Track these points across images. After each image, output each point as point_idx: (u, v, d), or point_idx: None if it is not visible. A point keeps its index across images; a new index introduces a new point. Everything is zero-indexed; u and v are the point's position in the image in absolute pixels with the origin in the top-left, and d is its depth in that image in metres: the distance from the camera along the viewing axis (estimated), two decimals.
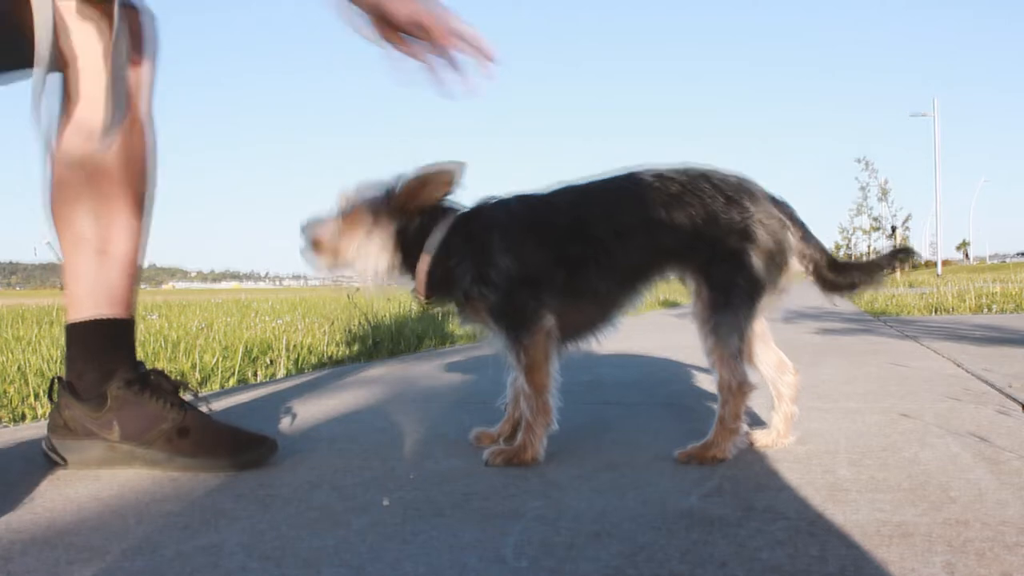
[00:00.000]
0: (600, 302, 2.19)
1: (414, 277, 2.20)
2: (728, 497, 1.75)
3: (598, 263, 2.11)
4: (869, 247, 55.79)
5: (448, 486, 1.91)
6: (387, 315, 7.62)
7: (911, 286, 20.30)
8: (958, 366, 3.88)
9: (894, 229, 49.09)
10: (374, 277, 2.18)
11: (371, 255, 2.16)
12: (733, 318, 2.04)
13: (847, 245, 65.60)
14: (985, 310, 8.95)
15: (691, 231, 2.05)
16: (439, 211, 2.18)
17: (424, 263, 2.15)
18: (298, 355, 5.12)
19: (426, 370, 4.57)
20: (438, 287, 2.18)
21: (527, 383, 2.10)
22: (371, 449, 2.35)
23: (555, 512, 1.67)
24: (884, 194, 49.89)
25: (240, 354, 4.73)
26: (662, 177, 2.09)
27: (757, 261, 2.04)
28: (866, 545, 1.43)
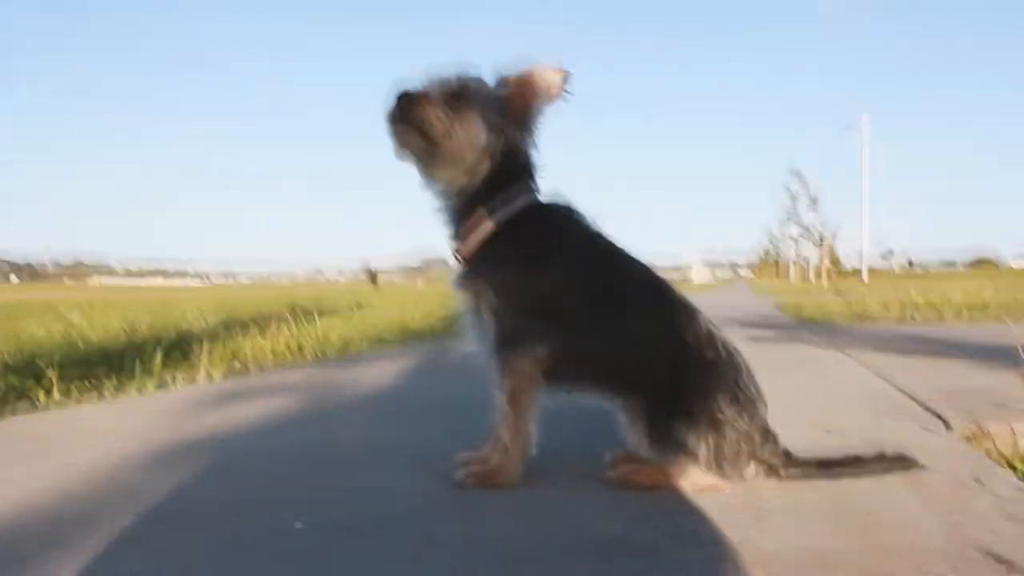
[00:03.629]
0: (578, 366, 2.02)
1: (460, 226, 2.03)
2: (654, 521, 1.70)
3: (601, 337, 1.99)
4: (797, 254, 57.33)
5: (368, 506, 1.83)
6: (313, 318, 7.45)
7: (838, 293, 20.80)
8: (882, 379, 3.93)
9: (822, 238, 50.48)
10: (463, 183, 1.99)
11: (471, 158, 1.96)
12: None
13: (775, 251, 67.30)
14: (909, 319, 9.15)
15: (684, 386, 1.94)
16: (514, 175, 2.03)
17: (486, 228, 1.99)
18: (221, 357, 4.96)
19: (350, 376, 4.45)
20: (476, 253, 2.01)
21: (509, 404, 1.96)
22: (289, 464, 2.26)
23: (473, 539, 1.60)
24: (814, 203, 51.32)
25: (160, 357, 4.54)
26: (711, 335, 1.98)
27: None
28: (788, 574, 1.40)
